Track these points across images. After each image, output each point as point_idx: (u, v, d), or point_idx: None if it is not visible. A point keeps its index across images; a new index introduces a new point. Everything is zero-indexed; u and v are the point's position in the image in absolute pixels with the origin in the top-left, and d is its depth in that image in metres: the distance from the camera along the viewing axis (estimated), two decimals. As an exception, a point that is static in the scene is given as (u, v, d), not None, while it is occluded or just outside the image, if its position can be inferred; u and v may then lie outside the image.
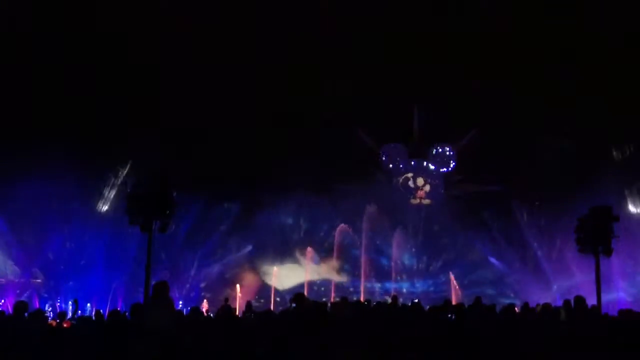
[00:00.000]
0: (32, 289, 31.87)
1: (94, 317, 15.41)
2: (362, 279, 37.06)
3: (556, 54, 37.62)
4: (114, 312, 11.57)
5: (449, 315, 12.94)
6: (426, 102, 39.44)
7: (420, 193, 40.95)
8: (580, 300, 13.05)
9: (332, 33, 37.02)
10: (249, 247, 37.57)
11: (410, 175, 41.41)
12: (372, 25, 38.53)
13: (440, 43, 37.88)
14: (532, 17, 37.58)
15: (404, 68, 37.88)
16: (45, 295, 32.27)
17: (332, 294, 35.66)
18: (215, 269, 36.95)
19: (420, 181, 41.22)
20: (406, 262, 38.91)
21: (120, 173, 34.49)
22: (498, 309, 15.84)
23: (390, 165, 41.62)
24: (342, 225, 37.41)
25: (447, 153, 41.61)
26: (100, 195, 34.31)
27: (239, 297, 34.07)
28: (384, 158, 41.66)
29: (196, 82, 35.79)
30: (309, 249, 37.33)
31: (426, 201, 40.94)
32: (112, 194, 34.29)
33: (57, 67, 33.30)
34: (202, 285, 36.63)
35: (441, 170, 41.51)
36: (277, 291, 36.66)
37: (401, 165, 41.55)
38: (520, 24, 37.31)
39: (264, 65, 36.48)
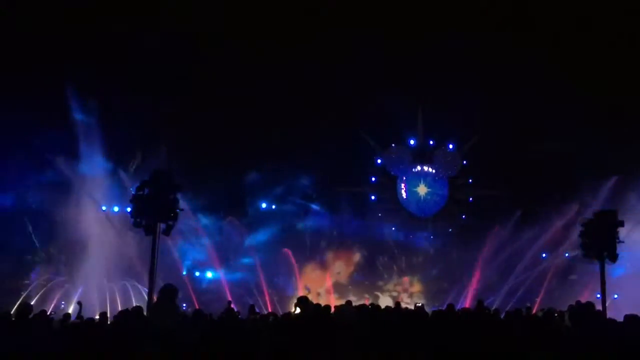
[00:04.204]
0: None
1: (98, 319, 15.40)
2: None
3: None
4: (122, 312, 11.47)
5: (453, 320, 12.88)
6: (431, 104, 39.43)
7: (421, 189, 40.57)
8: (584, 305, 12.97)
9: (334, 33, 37.09)
10: None
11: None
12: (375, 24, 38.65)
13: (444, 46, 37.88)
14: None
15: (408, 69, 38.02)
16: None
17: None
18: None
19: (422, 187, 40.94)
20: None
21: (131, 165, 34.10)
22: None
23: (394, 168, 41.27)
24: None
25: (452, 156, 41.16)
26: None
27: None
28: (387, 160, 41.31)
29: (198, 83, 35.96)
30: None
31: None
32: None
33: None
34: None
35: (446, 173, 41.04)
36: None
37: (405, 168, 41.19)
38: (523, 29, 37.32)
39: (264, 66, 36.61)
